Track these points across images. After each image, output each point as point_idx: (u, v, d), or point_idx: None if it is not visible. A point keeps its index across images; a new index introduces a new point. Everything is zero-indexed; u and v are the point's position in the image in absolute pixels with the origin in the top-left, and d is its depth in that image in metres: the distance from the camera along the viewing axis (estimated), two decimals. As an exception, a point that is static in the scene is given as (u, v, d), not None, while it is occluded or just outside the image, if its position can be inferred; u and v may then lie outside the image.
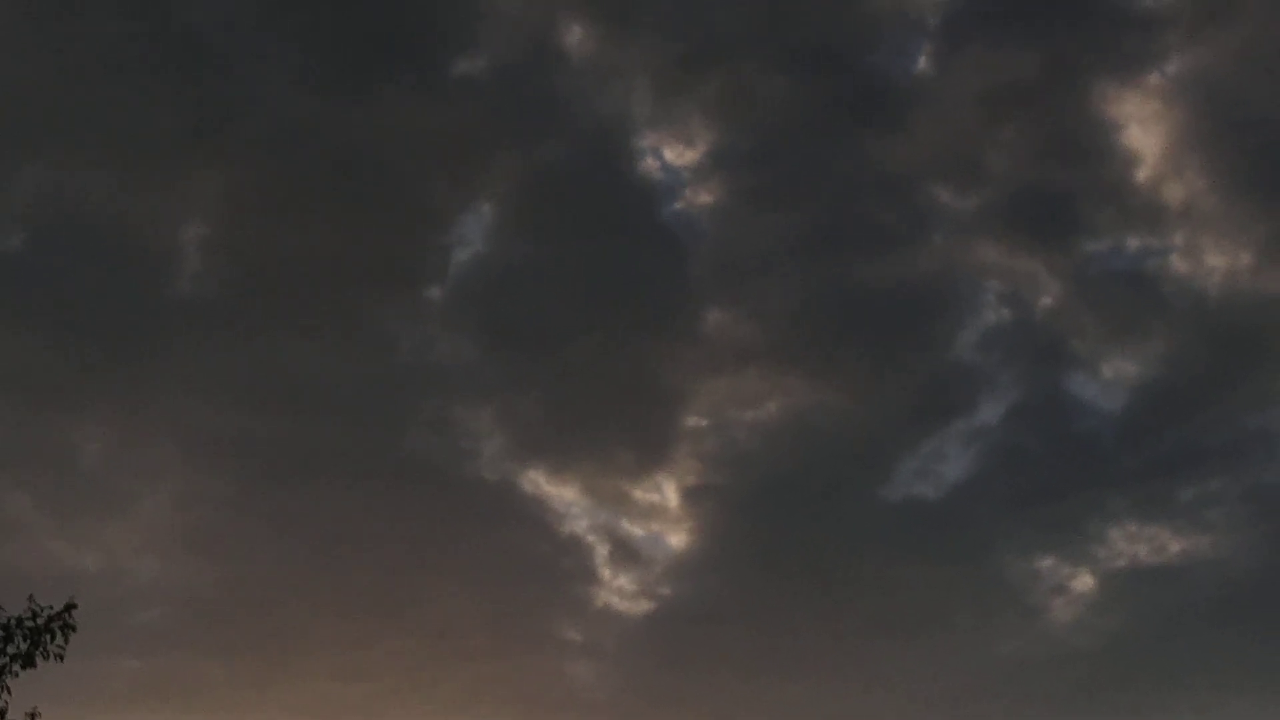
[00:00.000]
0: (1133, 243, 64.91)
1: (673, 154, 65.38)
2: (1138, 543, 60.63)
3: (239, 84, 61.15)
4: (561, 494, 62.83)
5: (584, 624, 60.52)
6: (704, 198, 65.70)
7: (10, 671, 19.49)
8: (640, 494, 63.11)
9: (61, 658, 19.77)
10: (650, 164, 65.23)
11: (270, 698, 56.88)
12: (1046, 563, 60.64)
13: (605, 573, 61.50)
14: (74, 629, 19.78)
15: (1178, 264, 63.79)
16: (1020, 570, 60.51)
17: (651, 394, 63.99)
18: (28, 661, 19.53)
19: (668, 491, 63.06)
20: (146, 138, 60.58)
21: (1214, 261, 63.27)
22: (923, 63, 65.94)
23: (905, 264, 64.33)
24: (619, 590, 61.27)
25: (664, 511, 62.93)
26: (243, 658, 57.24)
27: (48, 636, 19.62)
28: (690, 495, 62.88)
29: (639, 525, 62.91)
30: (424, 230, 63.69)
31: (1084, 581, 60.45)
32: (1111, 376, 64.21)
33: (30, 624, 19.57)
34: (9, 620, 19.52)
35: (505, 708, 58.09)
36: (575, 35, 63.90)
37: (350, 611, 58.75)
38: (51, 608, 19.74)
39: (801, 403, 64.30)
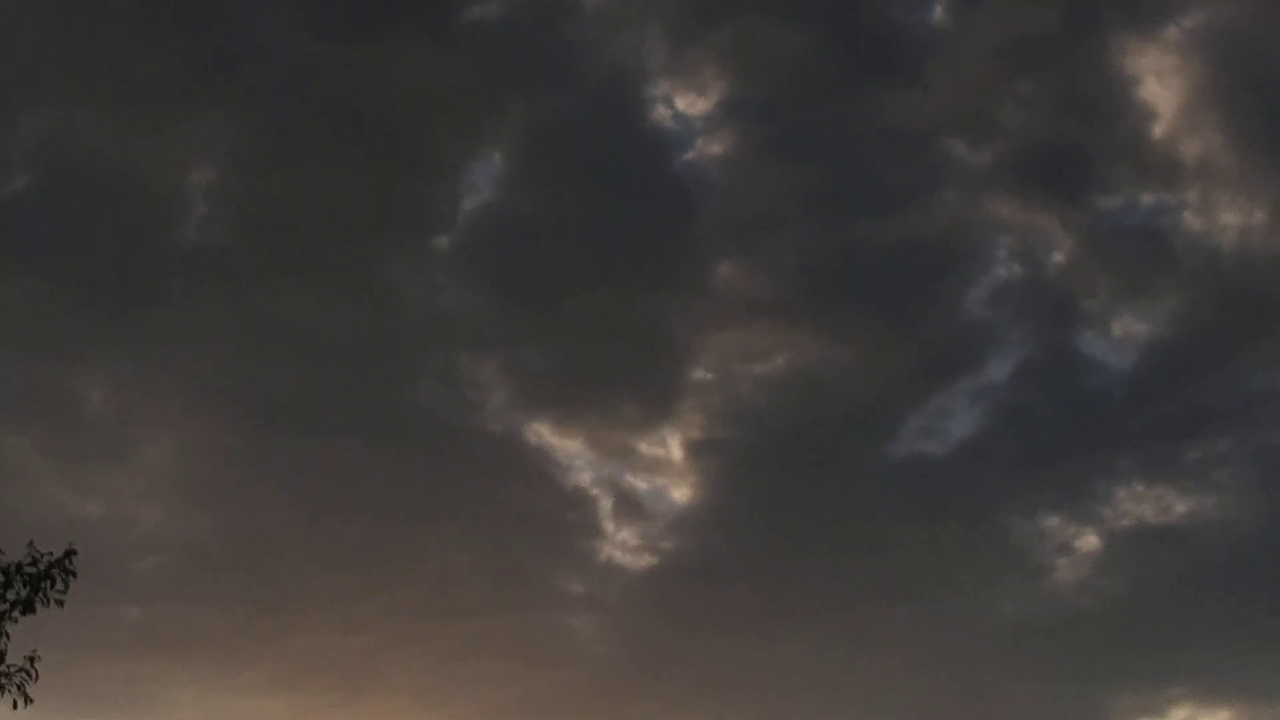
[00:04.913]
0: (1147, 199, 64.59)
1: (684, 103, 64.94)
2: (1144, 503, 60.56)
3: (246, 28, 60.67)
4: (566, 446, 62.80)
5: (587, 577, 60.57)
6: (715, 149, 65.37)
7: (10, 617, 19.40)
8: (645, 447, 63.02)
9: (62, 604, 19.70)
10: (662, 113, 64.82)
11: (270, 647, 56.93)
12: (1052, 522, 60.64)
13: (609, 526, 61.49)
14: (74, 575, 19.69)
15: (1191, 221, 63.44)
16: (1025, 530, 60.53)
17: (658, 347, 63.77)
18: (28, 607, 19.48)
19: (672, 445, 62.98)
20: (151, 82, 60.10)
21: (1228, 219, 62.90)
22: (939, 15, 65.30)
23: (917, 219, 63.97)
24: (622, 544, 61.25)
25: (668, 465, 62.87)
26: (243, 608, 57.25)
27: (48, 583, 19.51)
28: (695, 449, 62.79)
29: (643, 479, 62.88)
30: (432, 179, 63.30)
31: (1089, 541, 60.42)
32: (1121, 335, 64.00)
33: (30, 570, 19.49)
34: (9, 566, 19.51)
35: (506, 661, 58.10)
36: (588, -18, 63.31)
37: (351, 563, 58.72)
38: (52, 554, 19.62)
39: (809, 358, 64.12)
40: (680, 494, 62.83)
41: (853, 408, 62.68)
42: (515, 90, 63.67)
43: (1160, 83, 62.84)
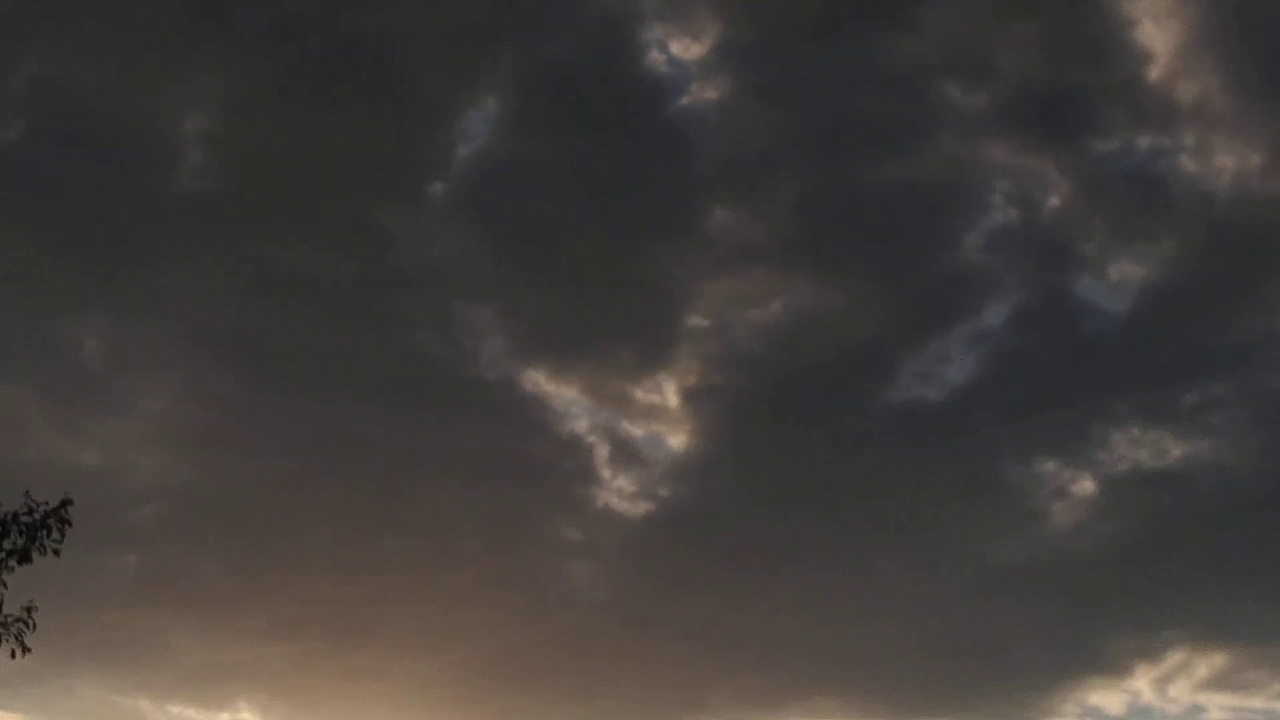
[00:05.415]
0: (1143, 142, 64.36)
1: (679, 48, 64.58)
2: (1140, 447, 60.61)
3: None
4: (562, 393, 62.78)
5: (583, 524, 60.72)
6: (710, 93, 64.99)
7: (7, 566, 19.42)
8: (641, 394, 63.02)
9: (58, 553, 19.70)
10: (656, 58, 64.45)
11: (269, 595, 57.08)
12: (1048, 466, 60.68)
13: (605, 473, 61.59)
14: (70, 524, 19.70)
15: (1187, 164, 63.21)
16: (1021, 474, 60.60)
17: (654, 293, 63.61)
18: (24, 557, 19.51)
19: (668, 392, 62.96)
20: (146, 30, 59.73)
21: (1224, 162, 62.63)
22: (933, -43, 64.73)
23: (913, 163, 63.68)
24: (619, 491, 61.38)
25: (664, 412, 62.86)
26: (241, 555, 57.39)
27: (44, 532, 19.50)
28: (691, 396, 62.77)
29: (639, 425, 62.90)
30: (427, 126, 62.95)
31: (1085, 486, 60.52)
32: (1118, 279, 63.84)
33: (27, 519, 19.49)
34: (6, 516, 19.52)
35: (504, 606, 58.29)
36: (581, -75, 62.84)
37: (349, 510, 58.82)
38: (48, 504, 19.62)
39: (805, 303, 63.99)
40: (676, 440, 63.01)
41: (849, 353, 62.71)
42: (509, 36, 63.35)
43: (1156, 26, 62.50)
